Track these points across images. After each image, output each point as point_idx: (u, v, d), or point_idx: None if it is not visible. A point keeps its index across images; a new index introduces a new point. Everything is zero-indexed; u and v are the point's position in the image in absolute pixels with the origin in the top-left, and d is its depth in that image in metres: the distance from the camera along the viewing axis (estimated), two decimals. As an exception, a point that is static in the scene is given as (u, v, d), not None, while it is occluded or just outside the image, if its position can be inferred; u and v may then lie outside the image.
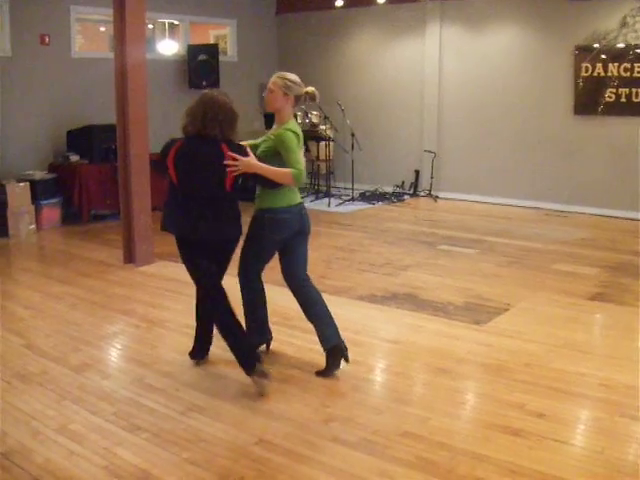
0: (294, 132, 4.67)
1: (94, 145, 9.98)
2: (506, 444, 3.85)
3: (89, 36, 13.70)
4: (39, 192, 9.55)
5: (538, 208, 10.57)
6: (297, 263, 4.92)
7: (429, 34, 11.54)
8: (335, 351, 4.80)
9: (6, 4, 9.64)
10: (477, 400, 4.54)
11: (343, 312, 6.06)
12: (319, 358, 5.01)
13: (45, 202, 9.61)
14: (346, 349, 4.82)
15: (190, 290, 6.60)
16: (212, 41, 14.06)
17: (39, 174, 9.66)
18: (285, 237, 4.79)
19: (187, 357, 5.09)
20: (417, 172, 11.89)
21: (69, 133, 10.17)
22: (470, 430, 4.07)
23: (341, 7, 11.76)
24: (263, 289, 5.02)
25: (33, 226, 9.49)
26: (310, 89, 4.88)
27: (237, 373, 4.77)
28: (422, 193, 11.75)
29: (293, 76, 4.78)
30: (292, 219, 4.78)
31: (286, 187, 4.70)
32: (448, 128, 11.59)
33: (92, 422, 4.18)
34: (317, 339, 4.90)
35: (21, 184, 9.42)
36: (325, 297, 6.35)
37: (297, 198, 4.85)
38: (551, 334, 5.49)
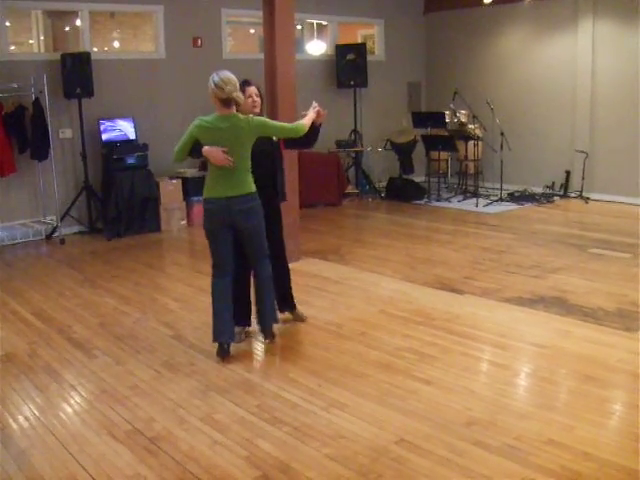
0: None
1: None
2: (658, 459, 3.66)
3: (239, 38, 14.09)
4: (190, 189, 9.88)
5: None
6: None
7: (581, 30, 11.11)
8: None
9: (161, 10, 10.05)
10: (626, 411, 4.32)
11: (489, 314, 5.97)
12: (466, 360, 4.95)
13: (196, 199, 9.90)
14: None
15: (335, 288, 6.70)
16: (360, 41, 14.12)
17: (190, 172, 9.98)
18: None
19: (331, 353, 5.16)
20: (568, 173, 11.50)
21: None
22: (618, 442, 3.87)
23: (489, 4, 11.53)
24: None
25: (184, 222, 9.85)
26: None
27: (379, 372, 4.78)
28: (573, 194, 11.36)
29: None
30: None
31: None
32: (601, 127, 11.13)
33: (235, 413, 4.27)
34: (467, 341, 5.26)
35: (173, 181, 9.81)
36: (471, 299, 6.33)
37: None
38: None
